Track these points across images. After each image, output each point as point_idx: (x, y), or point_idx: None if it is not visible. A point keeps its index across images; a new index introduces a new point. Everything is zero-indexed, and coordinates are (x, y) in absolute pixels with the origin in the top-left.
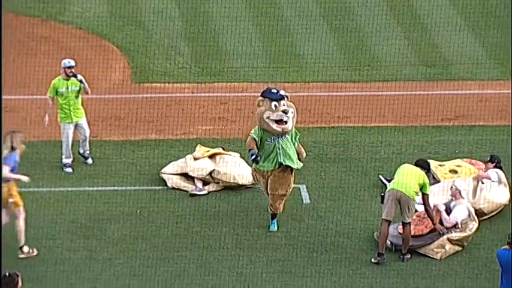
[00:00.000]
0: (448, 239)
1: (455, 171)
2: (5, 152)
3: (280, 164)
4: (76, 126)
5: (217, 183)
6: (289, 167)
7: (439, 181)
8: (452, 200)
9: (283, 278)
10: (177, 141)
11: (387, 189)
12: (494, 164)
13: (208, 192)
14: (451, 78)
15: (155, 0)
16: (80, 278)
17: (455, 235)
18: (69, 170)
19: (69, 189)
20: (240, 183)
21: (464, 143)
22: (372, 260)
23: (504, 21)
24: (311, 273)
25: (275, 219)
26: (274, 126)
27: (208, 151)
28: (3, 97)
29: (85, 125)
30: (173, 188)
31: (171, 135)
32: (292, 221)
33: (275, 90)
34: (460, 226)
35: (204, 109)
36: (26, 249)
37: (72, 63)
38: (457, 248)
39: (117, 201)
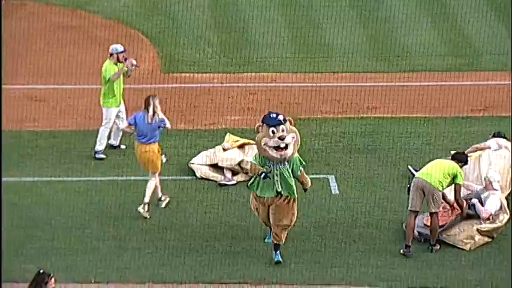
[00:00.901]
0: (478, 230)
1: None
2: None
3: (279, 192)
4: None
5: (246, 173)
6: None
7: None
8: (484, 190)
9: (312, 268)
10: (206, 131)
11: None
12: (492, 136)
13: (237, 182)
14: (480, 69)
15: None
16: (109, 267)
17: (485, 226)
18: (102, 156)
19: (99, 178)
20: None
21: None
22: (401, 251)
23: None
24: (339, 264)
25: (278, 250)
26: (273, 152)
27: (237, 141)
28: (32, 86)
29: (124, 110)
30: (202, 178)
31: (200, 125)
32: (320, 211)
33: (274, 115)
34: (491, 217)
35: (233, 99)
36: (164, 197)
37: (123, 48)
38: (487, 239)
39: None
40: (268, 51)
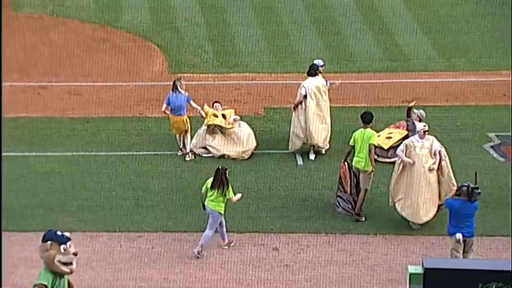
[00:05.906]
0: None
1: (390, 138)
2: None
3: None
4: None
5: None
6: None
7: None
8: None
9: (282, 220)
10: (202, 118)
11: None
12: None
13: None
14: (408, 70)
15: (186, 11)
16: (129, 220)
17: None
18: None
19: (122, 153)
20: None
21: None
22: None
23: None
24: (303, 217)
25: None
26: (65, 268)
27: (217, 115)
28: (71, 83)
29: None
30: (199, 155)
31: (198, 113)
32: (289, 178)
33: (60, 233)
34: None
35: (223, 93)
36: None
37: (322, 62)
38: None
39: (158, 162)
40: (249, 57)
